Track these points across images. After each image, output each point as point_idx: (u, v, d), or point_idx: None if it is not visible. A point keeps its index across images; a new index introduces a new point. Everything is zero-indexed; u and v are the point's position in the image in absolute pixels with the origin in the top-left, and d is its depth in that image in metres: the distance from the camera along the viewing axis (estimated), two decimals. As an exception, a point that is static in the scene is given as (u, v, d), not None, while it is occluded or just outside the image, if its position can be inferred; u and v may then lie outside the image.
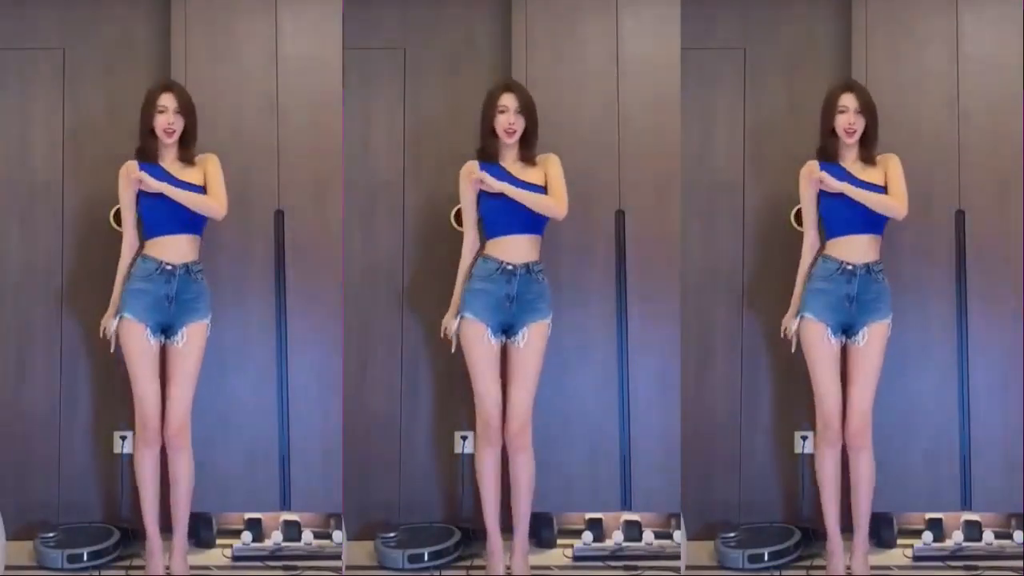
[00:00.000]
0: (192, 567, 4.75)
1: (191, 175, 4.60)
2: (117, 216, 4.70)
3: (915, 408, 5.00)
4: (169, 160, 4.62)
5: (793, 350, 4.65)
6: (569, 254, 4.92)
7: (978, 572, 4.79)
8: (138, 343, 4.55)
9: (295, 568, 4.82)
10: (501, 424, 4.62)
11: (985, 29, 4.98)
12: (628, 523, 4.97)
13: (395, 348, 5.09)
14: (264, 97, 4.99)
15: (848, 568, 4.69)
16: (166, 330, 4.58)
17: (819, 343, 4.61)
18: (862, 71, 4.95)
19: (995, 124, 4.97)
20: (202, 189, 4.60)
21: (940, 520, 4.96)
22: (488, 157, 4.64)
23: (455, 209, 4.77)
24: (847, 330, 4.61)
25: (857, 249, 4.60)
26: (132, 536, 4.88)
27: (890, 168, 4.64)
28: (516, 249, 4.60)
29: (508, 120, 4.61)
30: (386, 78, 5.10)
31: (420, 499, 5.09)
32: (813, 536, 4.92)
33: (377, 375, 5.09)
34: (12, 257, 5.04)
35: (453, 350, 4.64)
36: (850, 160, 4.65)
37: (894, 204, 4.59)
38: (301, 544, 4.89)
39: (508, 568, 4.70)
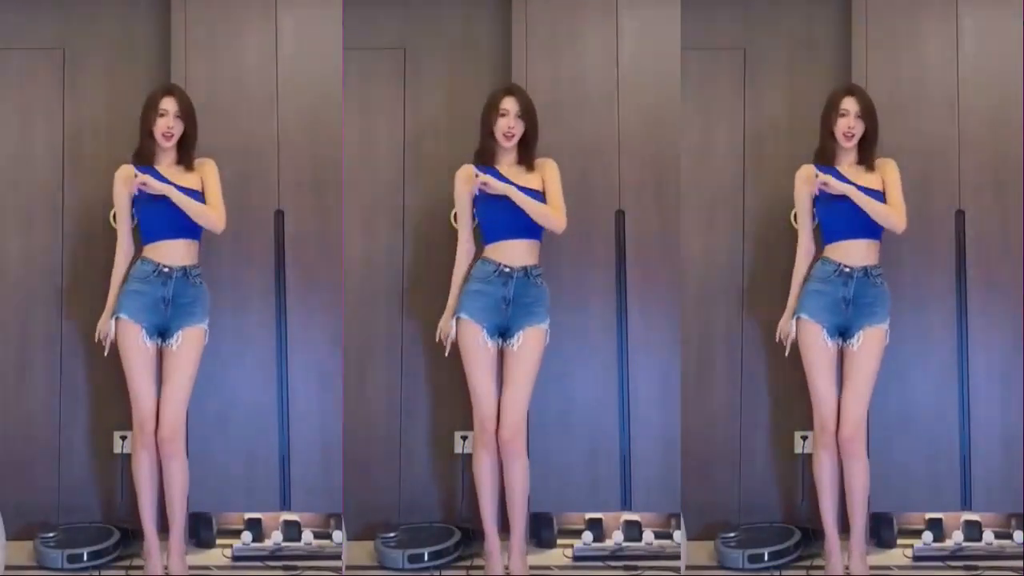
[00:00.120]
0: (192, 567, 4.75)
1: (188, 180, 4.60)
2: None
3: (915, 408, 5.00)
4: (166, 164, 4.62)
5: (787, 353, 4.66)
6: (569, 255, 4.92)
7: (978, 572, 4.79)
8: (133, 344, 4.55)
9: (295, 568, 4.82)
10: (496, 429, 4.61)
11: (985, 29, 4.98)
12: (628, 523, 4.97)
13: (395, 348, 5.09)
14: (264, 97, 4.99)
15: (847, 568, 4.69)
16: (163, 333, 4.58)
17: (814, 344, 4.61)
18: (862, 71, 4.95)
19: (995, 124, 4.97)
20: (200, 194, 4.60)
21: (940, 520, 4.96)
22: (485, 160, 4.64)
23: (455, 210, 4.77)
24: (844, 333, 4.61)
25: (855, 253, 4.60)
26: (132, 536, 4.88)
27: (888, 176, 4.63)
28: (514, 253, 4.60)
29: (508, 124, 4.61)
30: (386, 78, 5.10)
31: (420, 499, 5.09)
32: (813, 536, 4.91)
33: (377, 375, 5.09)
34: (12, 257, 5.04)
35: (447, 353, 4.64)
36: (847, 164, 4.66)
37: (895, 219, 4.58)
38: (301, 544, 4.89)
39: (507, 568, 4.70)
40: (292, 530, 4.91)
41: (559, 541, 5.00)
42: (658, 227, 4.99)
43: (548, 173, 4.65)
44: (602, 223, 5.00)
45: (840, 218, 4.61)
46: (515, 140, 4.63)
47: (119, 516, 5.00)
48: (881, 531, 4.96)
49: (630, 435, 5.02)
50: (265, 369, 4.99)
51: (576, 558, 4.91)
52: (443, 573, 4.81)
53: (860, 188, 4.59)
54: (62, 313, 5.03)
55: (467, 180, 4.63)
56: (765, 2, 5.11)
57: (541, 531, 4.98)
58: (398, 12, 5.11)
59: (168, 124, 4.58)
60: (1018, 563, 4.80)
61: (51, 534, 4.87)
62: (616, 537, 4.94)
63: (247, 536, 4.91)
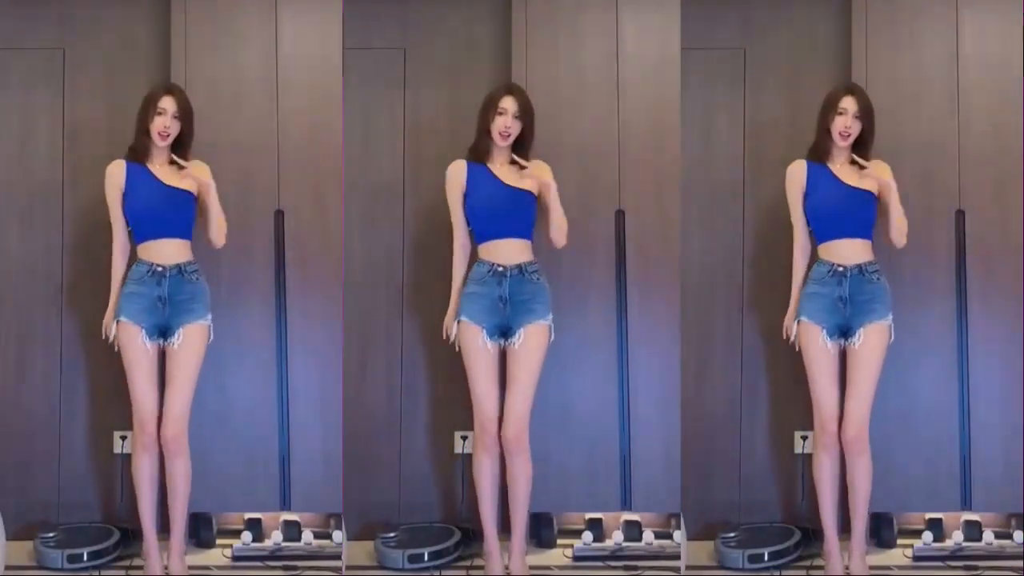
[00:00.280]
0: (192, 567, 4.75)
1: (183, 181, 4.60)
2: (117, 216, 4.71)
3: (915, 408, 5.00)
4: (159, 162, 4.62)
5: (798, 349, 4.66)
6: (569, 254, 4.91)
7: (978, 572, 4.79)
8: (134, 346, 4.55)
9: (295, 568, 4.82)
10: (498, 430, 4.62)
11: (985, 29, 4.98)
12: (628, 523, 4.97)
13: (395, 348, 5.09)
14: (264, 97, 4.99)
15: (847, 568, 4.69)
16: (164, 332, 4.58)
17: (814, 346, 4.61)
18: (862, 71, 4.95)
19: (995, 124, 4.97)
20: (192, 195, 4.59)
21: (940, 520, 4.96)
22: (479, 157, 4.65)
23: (456, 208, 4.77)
24: (845, 332, 4.61)
25: (847, 252, 4.60)
26: (132, 536, 4.88)
27: (885, 180, 4.61)
28: (506, 251, 4.61)
29: (505, 123, 4.61)
30: (386, 78, 5.10)
31: (420, 499, 5.09)
32: (813, 536, 4.91)
33: (377, 375, 5.09)
34: (12, 257, 5.04)
35: (458, 349, 4.64)
36: (840, 162, 4.66)
37: (902, 236, 4.60)
38: (301, 544, 4.89)
39: (506, 568, 4.70)
40: (292, 530, 4.91)
41: (559, 541, 5.00)
42: (658, 227, 4.99)
43: (544, 176, 4.63)
44: (602, 223, 5.00)
45: (828, 218, 4.61)
46: (511, 140, 4.63)
47: (119, 516, 5.00)
48: (881, 531, 4.96)
49: (630, 435, 5.02)
50: (265, 369, 4.99)
51: (576, 558, 4.91)
52: (443, 573, 4.81)
53: (851, 188, 4.59)
54: (62, 313, 5.03)
55: (458, 175, 4.64)
56: (765, 2, 5.11)
57: (541, 531, 4.98)
58: (398, 12, 5.11)
59: (165, 123, 4.58)
60: (1018, 563, 4.80)
61: (51, 534, 4.87)
62: (616, 537, 4.94)
63: (247, 536, 4.91)
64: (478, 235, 4.65)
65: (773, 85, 5.09)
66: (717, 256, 5.09)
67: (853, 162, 4.64)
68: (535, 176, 4.59)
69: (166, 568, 4.65)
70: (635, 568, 4.85)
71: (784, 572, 4.81)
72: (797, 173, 4.66)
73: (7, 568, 4.75)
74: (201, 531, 4.94)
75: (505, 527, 4.73)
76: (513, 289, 4.60)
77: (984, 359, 4.98)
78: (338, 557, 4.82)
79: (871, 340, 4.58)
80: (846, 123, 4.61)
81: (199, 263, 4.64)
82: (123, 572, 4.78)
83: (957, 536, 4.90)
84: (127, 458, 4.94)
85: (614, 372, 5.01)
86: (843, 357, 4.64)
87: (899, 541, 4.97)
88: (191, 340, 4.58)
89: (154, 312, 4.56)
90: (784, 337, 4.71)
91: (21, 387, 5.04)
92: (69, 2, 5.06)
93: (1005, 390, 4.98)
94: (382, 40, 5.10)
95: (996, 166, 4.98)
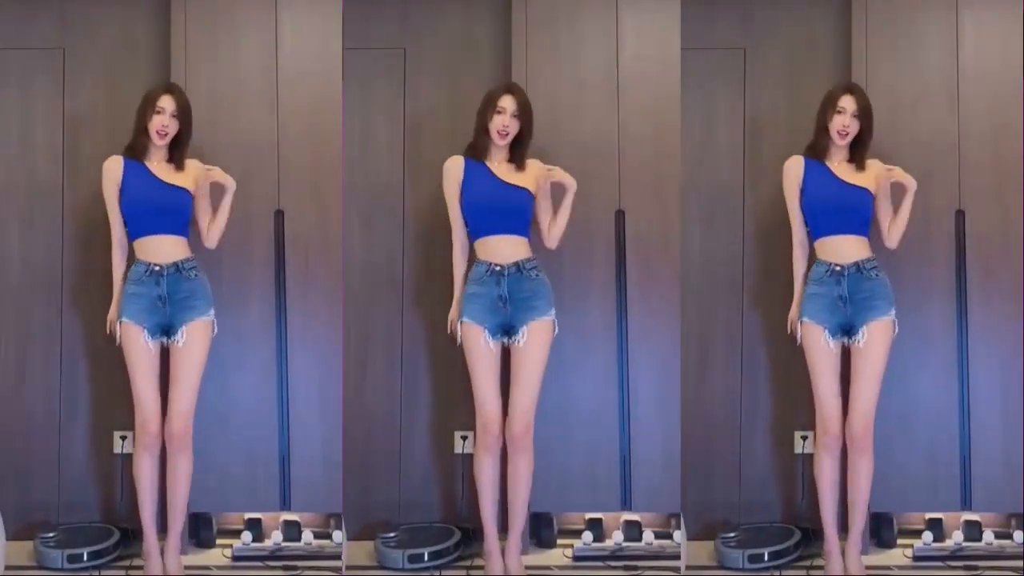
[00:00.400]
0: (192, 567, 4.75)
1: (179, 179, 4.61)
2: (117, 216, 4.71)
3: (915, 408, 5.00)
4: (156, 160, 4.63)
5: (799, 343, 4.65)
6: (569, 254, 4.92)
7: (978, 572, 4.79)
8: (136, 346, 4.55)
9: (295, 568, 4.82)
10: (501, 431, 4.62)
11: (985, 29, 4.98)
12: (628, 523, 4.97)
13: (395, 348, 5.09)
14: (264, 97, 4.99)
15: (846, 568, 4.69)
16: (167, 331, 4.59)
17: (817, 346, 4.61)
18: (862, 71, 4.95)
19: (995, 124, 4.97)
20: (189, 194, 4.60)
21: (940, 520, 4.96)
22: (477, 155, 4.65)
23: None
24: (848, 331, 4.61)
25: (842, 249, 4.61)
26: (132, 536, 4.88)
27: (884, 183, 4.63)
28: (502, 249, 4.61)
29: (503, 122, 4.62)
30: (386, 78, 5.10)
31: (420, 499, 5.09)
32: (813, 536, 4.91)
33: (377, 375, 5.09)
34: (12, 257, 5.04)
35: (459, 346, 4.65)
36: (837, 160, 4.66)
37: (896, 236, 4.66)
38: (301, 544, 4.89)
39: (506, 568, 4.70)
40: (292, 530, 4.91)
41: (559, 541, 5.00)
42: (658, 227, 4.99)
43: (543, 177, 4.66)
44: (602, 223, 5.00)
45: (823, 213, 4.62)
46: (509, 139, 4.64)
47: (119, 516, 5.00)
48: (881, 531, 4.96)
49: (630, 435, 5.02)
50: (265, 369, 4.99)
51: (576, 558, 4.91)
52: (443, 573, 4.81)
53: (847, 185, 4.59)
54: (62, 313, 5.03)
55: (455, 170, 4.64)
56: (765, 2, 5.11)
57: (541, 531, 4.98)
58: (398, 12, 5.11)
59: (164, 122, 4.58)
60: (1018, 563, 4.80)
61: (51, 534, 4.87)
62: (616, 537, 4.94)
63: (247, 536, 4.91)
64: (473, 231, 4.65)
65: (773, 85, 5.09)
66: (717, 256, 5.09)
67: (851, 160, 4.64)
68: (561, 177, 4.63)
69: (166, 568, 4.65)
70: (635, 568, 4.85)
71: (784, 572, 4.81)
72: (794, 168, 4.67)
73: (7, 568, 4.75)
74: (201, 531, 4.94)
75: (504, 527, 4.72)
76: (512, 288, 4.60)
77: (984, 359, 4.98)
78: (338, 557, 4.82)
79: (875, 337, 4.58)
80: (844, 122, 4.61)
81: (199, 260, 4.64)
82: (123, 572, 4.78)
83: (957, 536, 4.91)
84: (127, 458, 4.95)
85: (614, 372, 5.01)
86: (846, 355, 4.64)
87: (899, 541, 4.97)
88: (194, 337, 4.58)
89: (155, 312, 4.56)
90: (788, 332, 4.71)
91: (21, 387, 5.04)
92: (69, 2, 5.06)
93: (1005, 390, 4.98)
94: (382, 40, 5.10)
95: (996, 166, 4.98)
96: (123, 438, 4.99)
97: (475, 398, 4.63)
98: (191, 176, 4.64)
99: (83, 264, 5.00)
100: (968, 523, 4.93)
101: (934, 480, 5.01)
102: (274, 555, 4.88)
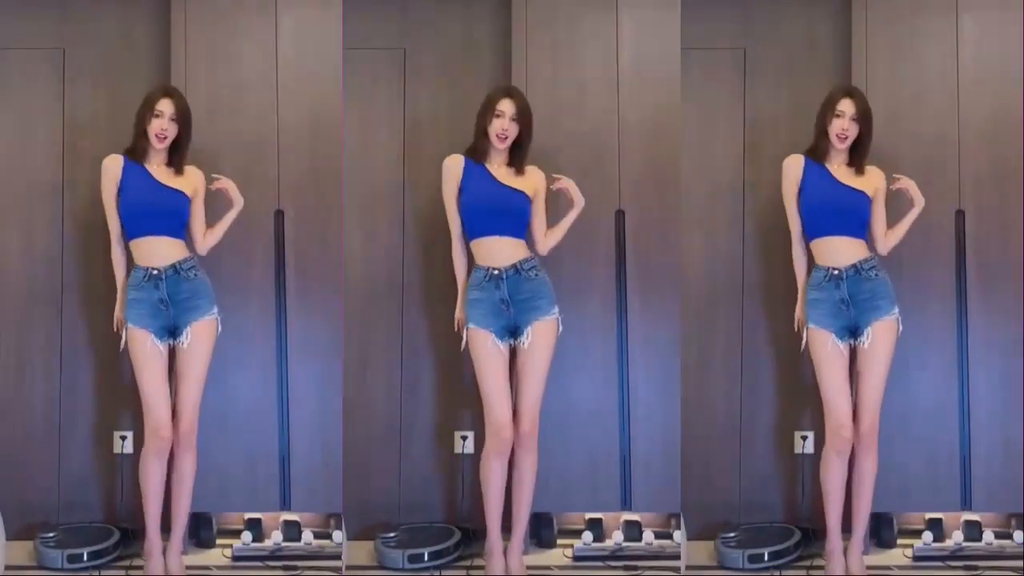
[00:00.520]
0: (192, 567, 4.75)
1: (178, 183, 4.62)
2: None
3: (915, 408, 5.00)
4: (156, 164, 4.63)
5: (802, 349, 4.65)
6: (569, 254, 4.92)
7: (978, 572, 4.79)
8: (144, 350, 4.55)
9: (295, 568, 4.82)
10: (512, 435, 4.60)
11: (985, 30, 4.98)
12: (628, 523, 4.97)
13: (395, 348, 5.09)
14: (264, 97, 4.99)
15: (847, 569, 4.69)
16: (172, 332, 4.59)
17: (824, 350, 4.60)
18: (862, 71, 4.95)
19: (995, 124, 4.97)
20: (187, 199, 4.61)
21: (940, 520, 4.96)
22: (477, 158, 4.66)
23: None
24: (853, 332, 4.61)
25: (838, 251, 4.61)
26: (132, 536, 4.88)
27: (881, 189, 4.64)
28: (498, 252, 4.61)
29: (502, 125, 4.62)
30: (386, 78, 5.10)
31: (420, 499, 5.09)
32: (813, 536, 4.92)
33: (377, 375, 5.09)
34: (12, 257, 5.04)
35: (464, 346, 4.64)
36: (836, 163, 4.66)
37: (890, 245, 4.66)
38: (301, 544, 4.89)
39: (507, 568, 4.69)
40: (292, 530, 4.91)
41: (559, 541, 5.00)
42: (658, 227, 4.99)
43: (540, 185, 4.69)
44: (602, 223, 5.00)
45: (819, 213, 4.62)
46: (508, 142, 4.64)
47: (119, 516, 5.00)
48: (881, 531, 4.96)
49: (630, 435, 5.02)
50: (265, 369, 4.99)
51: (576, 558, 4.91)
52: (443, 573, 4.81)
53: (845, 187, 4.60)
54: (62, 313, 5.03)
55: (455, 169, 4.65)
56: (765, 2, 5.11)
57: (541, 531, 4.98)
58: (398, 12, 5.11)
59: (163, 126, 4.58)
60: (1018, 563, 4.80)
61: (51, 534, 4.87)
62: (616, 537, 4.94)
63: (247, 536, 4.91)
64: (469, 231, 4.66)
65: (773, 85, 5.09)
66: (717, 256, 5.09)
67: (850, 164, 4.65)
68: (572, 190, 4.67)
69: (166, 568, 4.65)
70: (635, 568, 4.85)
71: (784, 572, 4.81)
72: (793, 166, 4.68)
73: (7, 568, 4.75)
74: (201, 531, 4.94)
75: (506, 527, 4.72)
76: (512, 290, 4.60)
77: (984, 359, 4.98)
78: (338, 557, 4.82)
79: (879, 337, 4.58)
80: (843, 125, 4.61)
81: (198, 259, 4.64)
82: (123, 572, 4.78)
83: (957, 536, 4.91)
84: (127, 458, 4.95)
85: (614, 372, 5.01)
86: (851, 356, 4.63)
87: (899, 541, 4.97)
88: (199, 337, 4.59)
89: (158, 315, 4.56)
90: (796, 330, 4.71)
91: (21, 387, 5.03)
92: (69, 2, 5.06)
93: (1005, 390, 4.98)
94: (382, 40, 5.10)
95: (996, 166, 4.98)
96: (123, 438, 4.99)
97: (485, 404, 4.61)
98: (190, 182, 4.64)
99: (83, 264, 5.00)
100: (968, 523, 4.93)
101: (934, 480, 5.01)
102: (274, 555, 4.88)
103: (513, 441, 4.62)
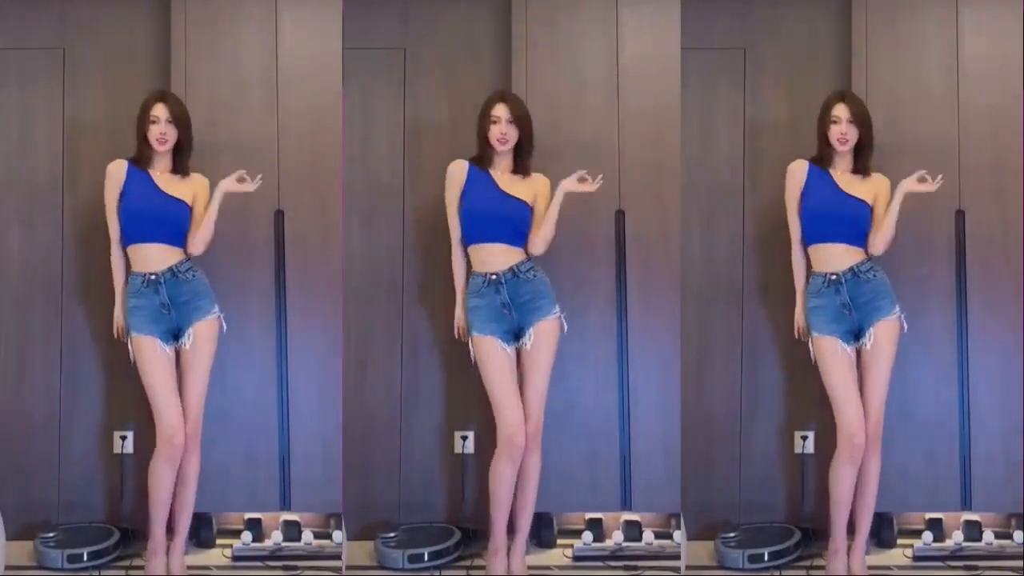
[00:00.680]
0: (192, 567, 4.75)
1: (180, 188, 4.62)
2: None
3: (915, 408, 5.00)
4: (160, 169, 4.63)
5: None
6: (569, 255, 4.92)
7: (978, 572, 4.79)
8: (152, 357, 4.54)
9: (295, 568, 4.82)
10: (524, 440, 4.59)
11: (985, 29, 4.98)
12: (628, 523, 4.97)
13: (395, 348, 5.09)
14: (264, 97, 4.99)
15: (848, 568, 4.69)
16: (176, 335, 4.59)
17: (832, 357, 4.59)
18: (862, 71, 4.95)
19: (995, 124, 4.97)
20: (187, 205, 4.61)
21: (940, 520, 4.96)
22: (483, 165, 4.66)
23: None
24: (858, 335, 4.61)
25: (835, 257, 4.61)
26: (132, 536, 4.88)
27: (882, 195, 4.64)
28: (495, 257, 4.61)
29: (500, 130, 4.62)
30: (386, 78, 5.10)
31: (420, 499, 5.09)
32: (813, 536, 4.92)
33: (377, 375, 5.09)
34: (12, 257, 5.04)
35: (457, 335, 4.65)
36: (841, 169, 4.66)
37: (884, 243, 4.62)
38: (301, 544, 4.89)
39: (508, 568, 4.69)
40: (292, 530, 4.91)
41: (559, 541, 5.00)
42: (658, 227, 4.99)
43: (543, 191, 4.67)
44: (602, 223, 5.00)
45: (819, 220, 4.62)
46: (509, 145, 4.64)
47: (119, 516, 5.00)
48: (881, 531, 4.96)
49: (630, 435, 5.02)
50: (265, 369, 4.99)
51: (576, 558, 4.91)
52: (443, 573, 4.81)
53: (846, 195, 4.60)
54: (62, 313, 5.03)
55: (459, 174, 4.65)
56: (765, 2, 5.11)
57: (541, 531, 4.98)
58: (398, 12, 5.11)
59: (161, 130, 4.58)
60: (1018, 563, 4.80)
61: (51, 534, 4.87)
62: (616, 537, 4.94)
63: (247, 536, 4.91)
64: (467, 237, 4.65)
65: (773, 85, 5.09)
66: (717, 256, 5.09)
67: (856, 170, 4.64)
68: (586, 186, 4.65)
69: (168, 568, 4.65)
70: (635, 568, 4.85)
71: (784, 572, 4.81)
72: (798, 171, 4.68)
73: (7, 568, 4.75)
74: (201, 531, 4.94)
75: (510, 527, 4.72)
76: (512, 293, 4.60)
77: (984, 359, 4.98)
78: (338, 557, 4.82)
79: (882, 337, 4.58)
80: (841, 130, 4.62)
81: (196, 260, 4.64)
82: (123, 572, 4.78)
83: (957, 536, 4.91)
84: (128, 458, 4.95)
85: (614, 372, 5.01)
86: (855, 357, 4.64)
87: (899, 541, 4.97)
88: (202, 338, 4.59)
89: (161, 319, 4.56)
90: (796, 336, 4.71)
91: (21, 387, 5.03)
92: (69, 2, 5.06)
93: (1005, 390, 4.98)
94: (382, 40, 5.10)
95: (996, 166, 4.98)
96: (123, 438, 4.99)
97: (496, 409, 4.59)
98: (192, 189, 4.63)
99: (83, 264, 5.00)
100: (968, 523, 4.94)
101: (934, 480, 5.01)
102: (274, 555, 4.88)
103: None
